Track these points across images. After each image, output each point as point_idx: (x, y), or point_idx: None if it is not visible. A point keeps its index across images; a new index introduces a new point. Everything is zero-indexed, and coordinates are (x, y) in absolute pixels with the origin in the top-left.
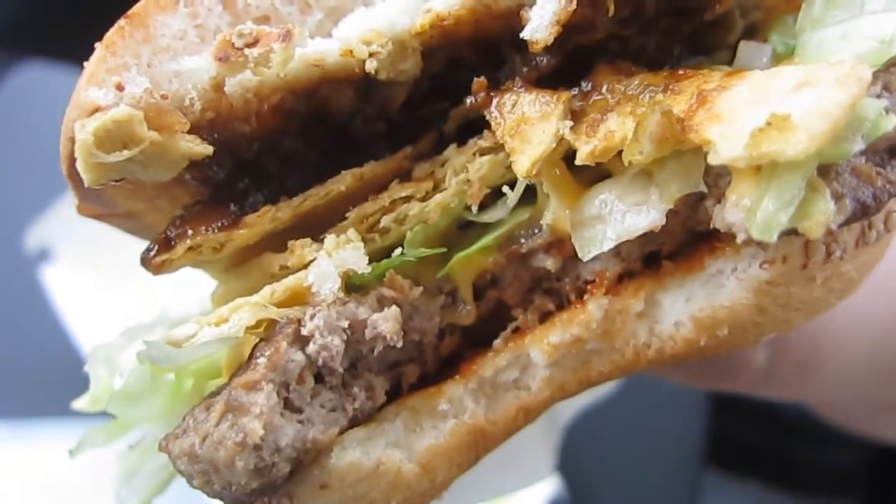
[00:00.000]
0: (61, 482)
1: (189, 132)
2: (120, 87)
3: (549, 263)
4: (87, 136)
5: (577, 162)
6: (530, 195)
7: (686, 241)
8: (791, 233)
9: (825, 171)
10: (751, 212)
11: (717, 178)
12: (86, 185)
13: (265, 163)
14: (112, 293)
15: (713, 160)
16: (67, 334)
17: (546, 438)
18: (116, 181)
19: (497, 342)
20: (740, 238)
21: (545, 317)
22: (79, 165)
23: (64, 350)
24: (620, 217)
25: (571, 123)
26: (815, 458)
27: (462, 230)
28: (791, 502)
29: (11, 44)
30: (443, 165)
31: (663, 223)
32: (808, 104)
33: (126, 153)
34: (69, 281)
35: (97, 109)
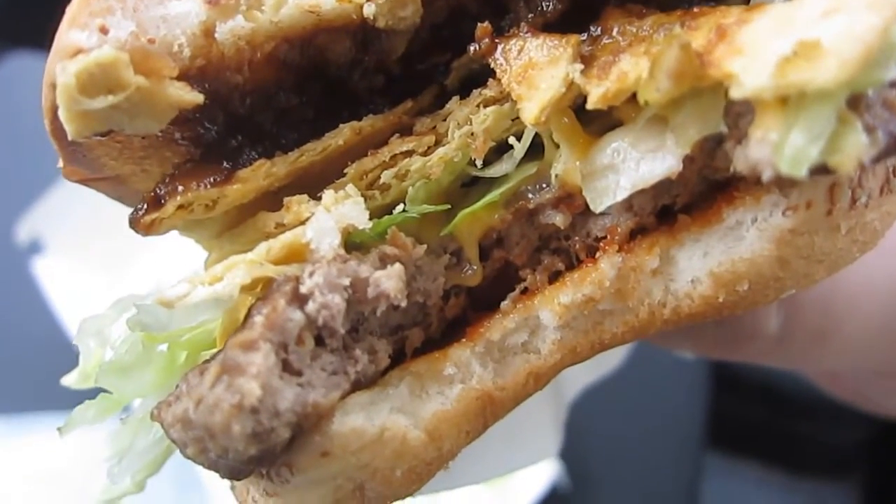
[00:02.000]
0: (61, 475)
1: (178, 79)
2: (104, 30)
3: (559, 220)
4: (69, 79)
5: (589, 106)
6: (536, 150)
7: (702, 192)
8: (821, 169)
9: (855, 102)
10: (778, 146)
11: (738, 118)
12: (69, 137)
13: (259, 119)
14: (104, 284)
15: (736, 93)
16: (60, 326)
17: (553, 414)
18: (103, 135)
19: (505, 303)
20: (766, 175)
21: (554, 277)
22: (61, 114)
23: (57, 342)
24: (634, 165)
25: (582, 66)
26: (816, 438)
27: (466, 187)
28: (792, 481)
29: (1, 34)
30: (445, 119)
31: (680, 169)
32: (837, 29)
33: (111, 98)
34: (61, 272)
35: (79, 52)
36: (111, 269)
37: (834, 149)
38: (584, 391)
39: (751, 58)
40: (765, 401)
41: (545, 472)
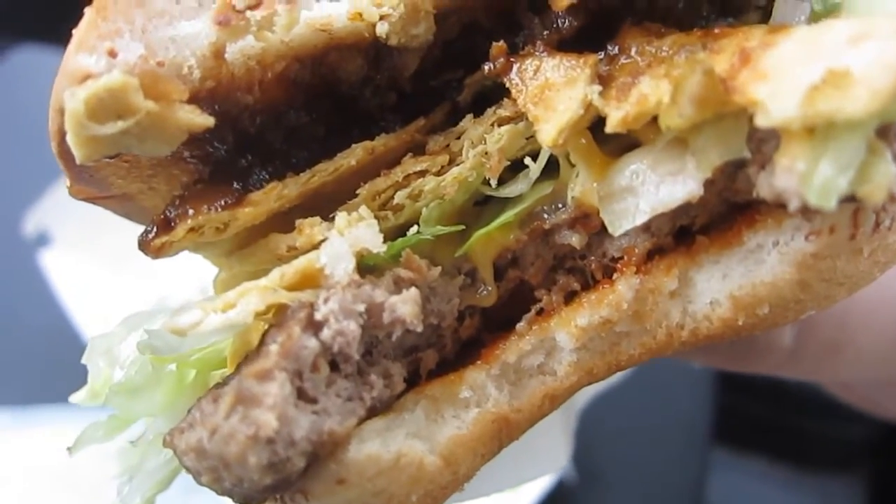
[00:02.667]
0: (65, 467)
1: (188, 102)
2: (112, 54)
3: (575, 240)
4: (77, 105)
5: (608, 130)
6: (552, 168)
7: (721, 214)
8: (849, 199)
9: (884, 132)
10: (806, 177)
11: (761, 144)
12: (78, 161)
13: (269, 138)
14: (111, 276)
15: (762, 122)
16: (67, 318)
17: (563, 426)
18: (111, 158)
19: (521, 325)
20: (793, 206)
21: (570, 297)
22: (69, 139)
23: (64, 334)
24: (654, 188)
25: (600, 88)
26: (822, 433)
27: (480, 206)
28: (798, 476)
29: (5, 27)
30: (459, 137)
31: (701, 193)
32: (868, 58)
33: (120, 124)
34: (68, 265)
35: (88, 77)
36: (118, 262)
37: (863, 179)
38: (593, 399)
39: (777, 85)
40: (771, 397)
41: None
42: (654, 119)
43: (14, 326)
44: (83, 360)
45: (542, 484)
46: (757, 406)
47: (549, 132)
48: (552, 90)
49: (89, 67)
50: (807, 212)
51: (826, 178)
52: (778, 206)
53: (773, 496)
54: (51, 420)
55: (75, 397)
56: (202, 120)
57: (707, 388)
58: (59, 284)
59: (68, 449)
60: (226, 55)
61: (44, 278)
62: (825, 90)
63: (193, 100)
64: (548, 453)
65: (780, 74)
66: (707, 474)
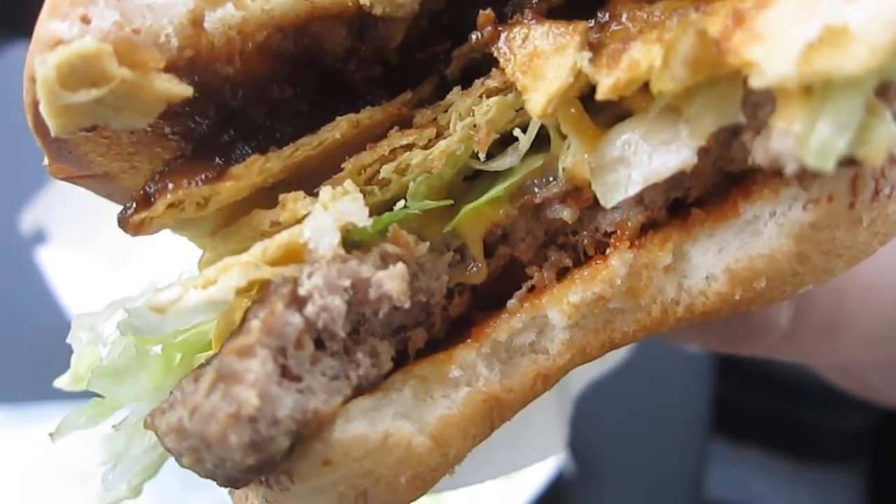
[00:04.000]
0: (63, 464)
1: (165, 71)
2: (86, 20)
3: (566, 214)
4: (49, 72)
5: (599, 96)
6: (542, 141)
7: (716, 185)
8: (848, 162)
9: (883, 91)
10: (802, 138)
11: (756, 108)
12: (52, 133)
13: (252, 113)
14: (108, 272)
15: (757, 82)
16: (64, 315)
17: (558, 412)
18: (88, 131)
19: (511, 302)
20: (790, 169)
21: (562, 274)
22: (42, 108)
23: (61, 331)
24: (647, 158)
25: (590, 55)
26: (821, 425)
27: (468, 181)
28: (797, 468)
29: (2, 24)
30: (446, 111)
31: (695, 162)
32: (865, 13)
33: (94, 92)
34: (65, 261)
35: (59, 43)
36: (115, 259)
37: (862, 140)
38: (588, 386)
39: (772, 45)
40: (769, 388)
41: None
42: (646, 88)
43: (11, 323)
44: (68, 340)
45: (541, 476)
46: (756, 397)
47: (538, 101)
48: (541, 58)
49: (61, 33)
50: (804, 179)
51: (824, 139)
52: (774, 175)
53: (772, 487)
54: (48, 417)
55: (60, 381)
56: (180, 89)
57: (705, 379)
58: (56, 281)
59: (50, 435)
60: (205, 24)
61: (41, 275)
62: (822, 48)
63: (171, 69)
64: (542, 440)
65: (776, 34)
66: (705, 466)
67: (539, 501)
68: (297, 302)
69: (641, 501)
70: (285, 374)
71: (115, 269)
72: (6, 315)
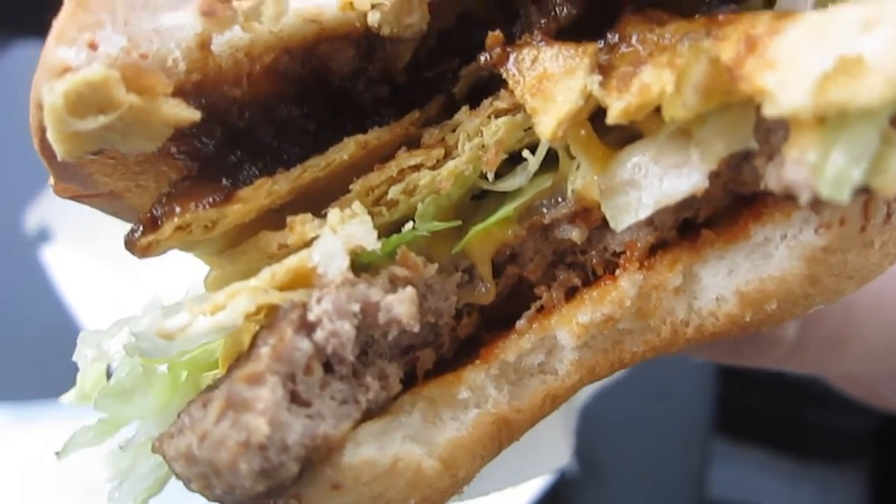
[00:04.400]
0: (67, 463)
1: (173, 95)
2: (93, 46)
3: (575, 235)
4: (56, 100)
5: (609, 121)
6: (550, 161)
7: (726, 207)
8: (863, 191)
9: None
10: (817, 168)
11: (768, 134)
12: (59, 158)
13: (259, 133)
14: (112, 272)
15: (771, 111)
16: (68, 314)
17: (564, 423)
18: (94, 154)
19: (520, 323)
20: (804, 198)
21: (571, 294)
22: (50, 135)
23: (66, 330)
24: (657, 181)
25: (601, 78)
26: (824, 425)
27: (477, 201)
28: (799, 468)
29: (2, 23)
30: (454, 130)
31: (706, 186)
32: (880, 44)
33: (102, 119)
34: (69, 260)
35: (67, 70)
36: (119, 258)
37: (877, 170)
38: (593, 396)
39: (786, 73)
40: (771, 389)
41: None
42: (657, 109)
43: (16, 322)
44: (74, 358)
45: (544, 478)
46: (758, 398)
47: (548, 124)
48: (551, 81)
49: (68, 60)
50: (816, 204)
51: (839, 170)
52: (786, 199)
53: (775, 487)
54: (53, 416)
55: (65, 398)
56: (188, 114)
57: (708, 380)
58: (60, 280)
59: (57, 453)
60: (212, 47)
61: (45, 274)
62: (836, 78)
63: (179, 93)
64: (548, 452)
65: (789, 62)
66: (708, 466)
67: (542, 501)
68: (307, 328)
69: (644, 501)
70: (294, 399)
71: (119, 269)
72: (10, 314)
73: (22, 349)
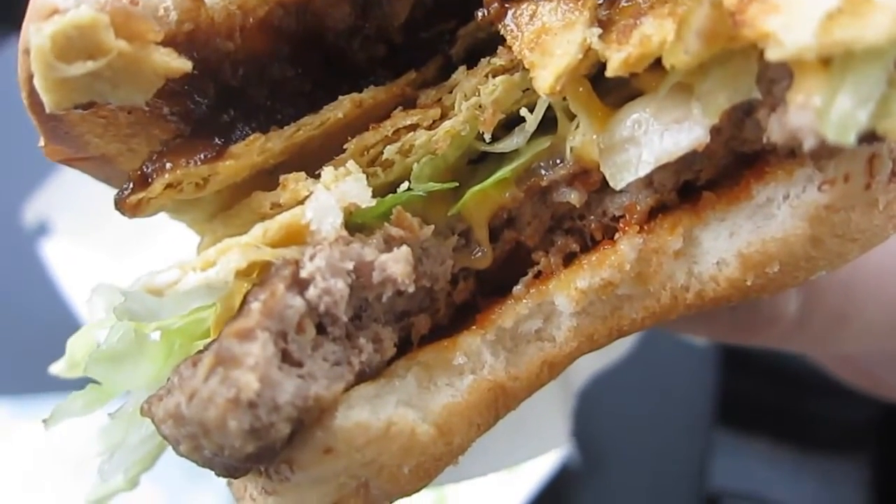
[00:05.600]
0: (69, 456)
1: (164, 45)
2: None
3: (574, 198)
4: (43, 42)
5: (609, 73)
6: (548, 123)
7: (727, 167)
8: (869, 137)
9: None
10: (822, 112)
11: (772, 84)
12: (47, 109)
13: (253, 92)
14: (112, 264)
15: (775, 54)
16: (68, 307)
17: (561, 404)
18: (84, 108)
19: (518, 288)
20: (809, 144)
21: (569, 259)
22: (37, 82)
23: (65, 323)
24: (657, 137)
25: (600, 31)
26: (826, 415)
27: (473, 163)
28: (801, 459)
29: (4, 18)
30: (451, 91)
31: (708, 140)
32: None
33: (91, 64)
34: (68, 254)
35: (55, 12)
36: (119, 251)
37: (884, 113)
38: (591, 379)
39: (790, 15)
40: (774, 379)
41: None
42: (657, 66)
43: (15, 316)
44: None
45: (546, 468)
46: (760, 388)
47: (546, 78)
48: (549, 35)
49: (56, 3)
50: (819, 159)
51: (844, 112)
52: (788, 156)
53: (776, 477)
54: (52, 409)
55: (55, 367)
56: (179, 64)
57: (709, 370)
58: (60, 273)
59: (44, 421)
60: None
61: (45, 267)
62: (842, 18)
63: (170, 43)
64: (545, 432)
65: (793, 4)
66: (710, 456)
67: (544, 492)
68: (299, 284)
69: (646, 492)
70: (286, 358)
71: (118, 262)
72: (9, 307)
73: (21, 342)
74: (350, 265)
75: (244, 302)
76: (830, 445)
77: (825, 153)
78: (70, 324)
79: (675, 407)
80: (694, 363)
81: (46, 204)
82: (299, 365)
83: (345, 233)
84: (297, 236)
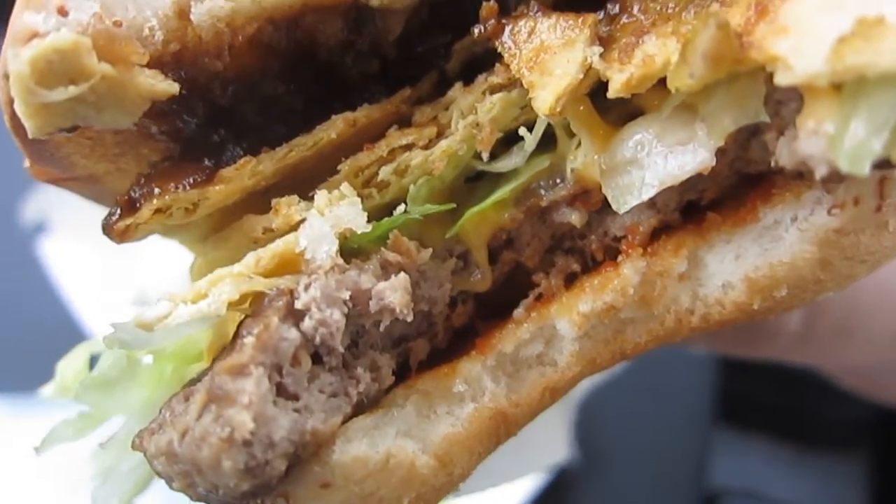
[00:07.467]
0: (65, 456)
1: (150, 67)
2: (63, 12)
3: (574, 218)
4: (22, 67)
5: (611, 94)
6: (548, 141)
7: (732, 187)
8: (883, 164)
9: None
10: (835, 139)
11: (779, 106)
12: (29, 135)
13: (243, 111)
14: (110, 263)
15: (785, 80)
16: (66, 306)
17: (561, 417)
18: (69, 131)
19: (518, 312)
20: (820, 173)
21: (570, 279)
22: (17, 108)
23: (63, 322)
24: (661, 159)
25: (601, 49)
26: (824, 413)
27: (470, 183)
28: (801, 457)
29: (3, 17)
30: (447, 108)
31: (713, 164)
32: None
33: (73, 90)
34: (67, 252)
35: (35, 36)
36: (117, 250)
37: None
38: (590, 390)
39: (800, 38)
40: (773, 377)
41: None
42: (660, 85)
43: (13, 314)
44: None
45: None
46: (759, 387)
47: (545, 99)
48: (548, 53)
49: (36, 26)
50: (829, 182)
51: (858, 141)
52: (796, 178)
53: (776, 476)
54: (49, 409)
55: (45, 391)
56: (165, 86)
57: (709, 370)
58: (57, 272)
59: (35, 448)
60: (191, 16)
61: (42, 266)
62: (855, 42)
63: (156, 64)
64: (545, 448)
65: (803, 27)
66: (710, 455)
67: (544, 492)
68: (294, 316)
69: (646, 490)
70: (281, 392)
71: (116, 261)
72: (7, 306)
73: (19, 341)
74: (346, 294)
75: (237, 335)
76: (830, 444)
77: (835, 178)
78: (67, 322)
79: (675, 406)
80: (693, 362)
81: (44, 202)
82: (295, 398)
83: (340, 260)
84: (290, 265)
